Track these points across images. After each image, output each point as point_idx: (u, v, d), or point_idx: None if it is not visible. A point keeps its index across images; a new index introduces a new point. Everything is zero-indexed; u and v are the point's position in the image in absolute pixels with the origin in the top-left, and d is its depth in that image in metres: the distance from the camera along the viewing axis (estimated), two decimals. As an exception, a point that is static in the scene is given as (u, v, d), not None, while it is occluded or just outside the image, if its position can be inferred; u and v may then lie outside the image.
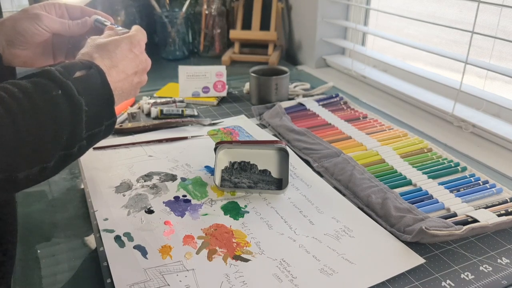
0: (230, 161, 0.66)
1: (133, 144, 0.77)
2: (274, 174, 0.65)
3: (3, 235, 0.53)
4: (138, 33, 0.54)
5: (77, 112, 0.42)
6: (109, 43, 0.50)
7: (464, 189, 0.62)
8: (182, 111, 0.88)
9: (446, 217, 0.56)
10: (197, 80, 0.97)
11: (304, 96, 1.00)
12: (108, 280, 0.47)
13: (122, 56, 0.50)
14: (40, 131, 0.39)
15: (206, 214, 0.58)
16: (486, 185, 0.63)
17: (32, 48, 0.56)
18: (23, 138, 0.38)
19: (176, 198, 0.62)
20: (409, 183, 0.64)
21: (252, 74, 0.94)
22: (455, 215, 0.57)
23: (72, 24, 0.58)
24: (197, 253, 0.51)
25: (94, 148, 0.75)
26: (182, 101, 0.95)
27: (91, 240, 0.55)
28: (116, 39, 0.51)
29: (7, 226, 0.53)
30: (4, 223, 0.53)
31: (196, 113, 0.90)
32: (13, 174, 0.38)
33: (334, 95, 0.95)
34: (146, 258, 0.50)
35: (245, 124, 0.85)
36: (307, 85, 1.05)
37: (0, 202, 0.53)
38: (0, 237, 0.52)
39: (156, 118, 0.88)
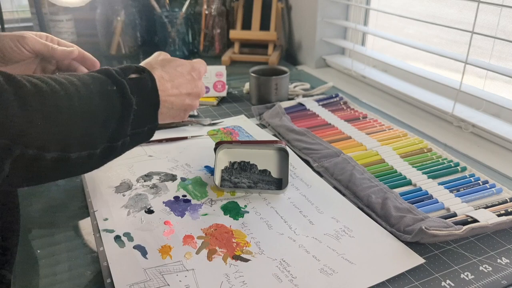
0: (230, 161, 0.66)
1: (133, 144, 0.76)
2: (274, 174, 0.65)
3: (6, 232, 0.53)
4: (201, 64, 0.58)
5: (127, 108, 0.46)
6: (173, 60, 0.54)
7: (464, 189, 0.62)
8: (182, 111, 0.88)
9: (446, 217, 0.56)
10: (197, 80, 0.97)
11: (304, 96, 1.00)
12: (108, 280, 0.48)
13: (180, 74, 0.54)
14: (91, 117, 0.42)
15: (206, 214, 0.58)
16: (486, 185, 0.63)
17: (12, 67, 0.56)
18: (77, 120, 0.41)
19: (176, 198, 0.62)
20: (409, 183, 0.64)
21: (252, 74, 0.94)
22: (455, 215, 0.57)
23: (57, 47, 0.58)
24: (197, 253, 0.51)
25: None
26: (182, 101, 0.95)
27: (91, 240, 0.55)
28: (181, 60, 0.55)
29: (10, 224, 0.53)
30: (7, 221, 0.53)
31: (196, 113, 0.90)
32: (66, 153, 0.40)
33: (334, 95, 0.95)
34: (146, 258, 0.50)
35: (245, 124, 0.85)
36: (307, 85, 1.05)
37: (3, 200, 0.53)
38: (2, 235, 0.52)
39: (156, 118, 0.88)
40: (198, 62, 0.57)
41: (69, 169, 0.43)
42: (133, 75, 0.49)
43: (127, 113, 0.46)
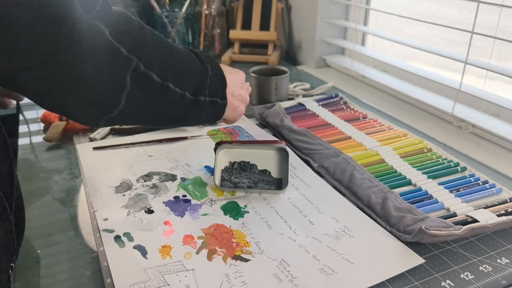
0: (230, 161, 0.66)
1: (133, 144, 0.77)
2: (274, 174, 0.65)
3: (17, 214, 0.53)
4: None
5: (204, 71, 0.55)
6: (225, 66, 0.65)
7: (464, 189, 0.62)
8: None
9: (446, 217, 0.56)
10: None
11: (304, 96, 1.00)
12: (108, 280, 0.48)
13: (230, 70, 0.64)
14: (183, 63, 0.52)
15: (206, 214, 0.58)
16: (486, 185, 0.63)
17: None
18: (173, 60, 0.50)
19: (176, 198, 0.62)
20: (409, 183, 0.64)
21: (252, 74, 0.94)
22: (454, 215, 0.57)
23: None
24: (197, 253, 0.51)
25: (94, 148, 0.75)
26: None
27: (91, 240, 0.55)
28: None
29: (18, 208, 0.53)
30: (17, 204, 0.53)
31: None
32: (165, 81, 0.49)
33: (333, 95, 0.95)
34: (146, 258, 0.50)
35: (245, 124, 0.85)
36: (307, 85, 1.05)
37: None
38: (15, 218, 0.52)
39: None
40: None
41: (169, 103, 0.51)
42: None
43: (205, 75, 0.54)
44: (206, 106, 0.56)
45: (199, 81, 0.54)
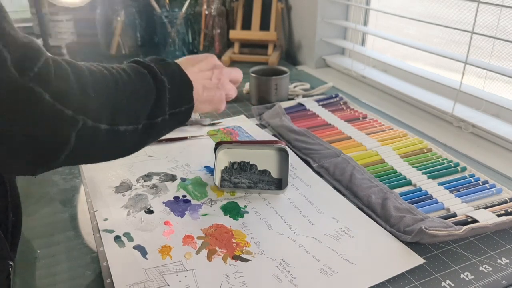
0: (230, 161, 0.66)
1: (133, 144, 0.76)
2: (274, 174, 0.65)
3: (14, 210, 0.52)
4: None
5: (161, 88, 0.51)
6: (192, 56, 0.61)
7: (464, 189, 0.62)
8: (182, 111, 0.88)
9: (446, 217, 0.56)
10: (197, 80, 0.97)
11: (304, 96, 1.00)
12: (108, 280, 0.48)
13: (195, 59, 0.60)
14: (133, 94, 0.48)
15: (205, 214, 0.58)
16: (486, 185, 0.63)
17: None
18: (122, 97, 0.47)
19: (176, 198, 0.62)
20: (409, 183, 0.64)
21: (252, 74, 0.94)
22: (455, 215, 0.57)
23: None
24: (197, 253, 0.51)
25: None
26: (182, 101, 0.95)
27: (91, 240, 0.55)
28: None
29: (16, 204, 0.53)
30: (13, 200, 0.53)
31: (197, 115, 0.90)
32: (115, 126, 0.45)
33: (333, 95, 0.95)
34: (146, 258, 0.50)
35: (245, 124, 0.85)
36: (307, 85, 1.05)
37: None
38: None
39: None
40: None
41: (120, 143, 0.47)
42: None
43: (162, 92, 0.51)
44: (166, 123, 0.52)
45: (154, 102, 0.50)
